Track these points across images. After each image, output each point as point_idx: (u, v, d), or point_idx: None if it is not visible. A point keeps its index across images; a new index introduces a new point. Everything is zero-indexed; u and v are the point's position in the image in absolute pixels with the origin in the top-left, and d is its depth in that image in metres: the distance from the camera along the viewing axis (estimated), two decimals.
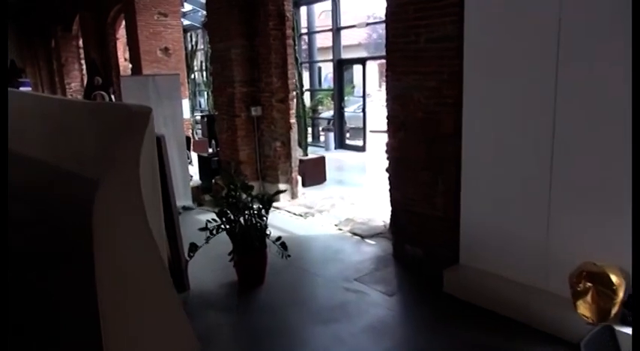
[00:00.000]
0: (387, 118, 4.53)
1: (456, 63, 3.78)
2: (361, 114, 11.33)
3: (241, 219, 3.84)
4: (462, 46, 3.70)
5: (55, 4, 14.24)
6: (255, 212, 3.95)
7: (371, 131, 10.95)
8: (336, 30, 11.20)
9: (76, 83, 14.90)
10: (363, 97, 11.05)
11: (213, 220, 3.93)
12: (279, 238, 3.85)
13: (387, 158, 4.98)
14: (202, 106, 16.03)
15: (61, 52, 14.72)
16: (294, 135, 6.71)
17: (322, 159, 7.94)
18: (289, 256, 3.83)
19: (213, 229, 3.72)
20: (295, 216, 6.16)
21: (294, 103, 6.68)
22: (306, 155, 8.06)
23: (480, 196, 3.71)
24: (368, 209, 6.27)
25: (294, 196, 6.81)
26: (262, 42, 6.50)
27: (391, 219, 4.62)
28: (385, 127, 4.51)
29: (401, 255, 4.49)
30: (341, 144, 11.54)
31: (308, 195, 7.06)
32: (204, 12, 15.71)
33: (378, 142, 11.97)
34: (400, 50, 4.22)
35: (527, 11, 3.27)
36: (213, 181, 7.39)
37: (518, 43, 3.33)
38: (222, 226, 3.76)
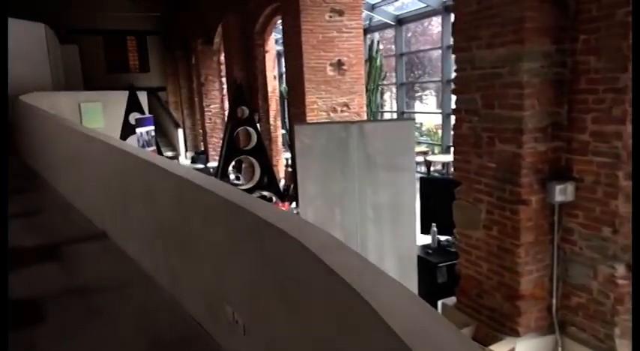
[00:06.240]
0: None
1: None
2: None
3: None
4: None
5: (198, 14, 12.28)
6: None
7: None
8: None
9: (215, 105, 12.82)
10: None
11: None
12: None
13: None
14: None
15: (201, 69, 12.76)
16: None
17: None
18: None
19: None
20: None
21: None
22: None
23: None
24: None
25: None
26: (592, 45, 2.95)
27: None
28: None
29: None
30: None
31: None
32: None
33: None
34: None
35: None
36: (440, 304, 4.03)
37: None
38: None
